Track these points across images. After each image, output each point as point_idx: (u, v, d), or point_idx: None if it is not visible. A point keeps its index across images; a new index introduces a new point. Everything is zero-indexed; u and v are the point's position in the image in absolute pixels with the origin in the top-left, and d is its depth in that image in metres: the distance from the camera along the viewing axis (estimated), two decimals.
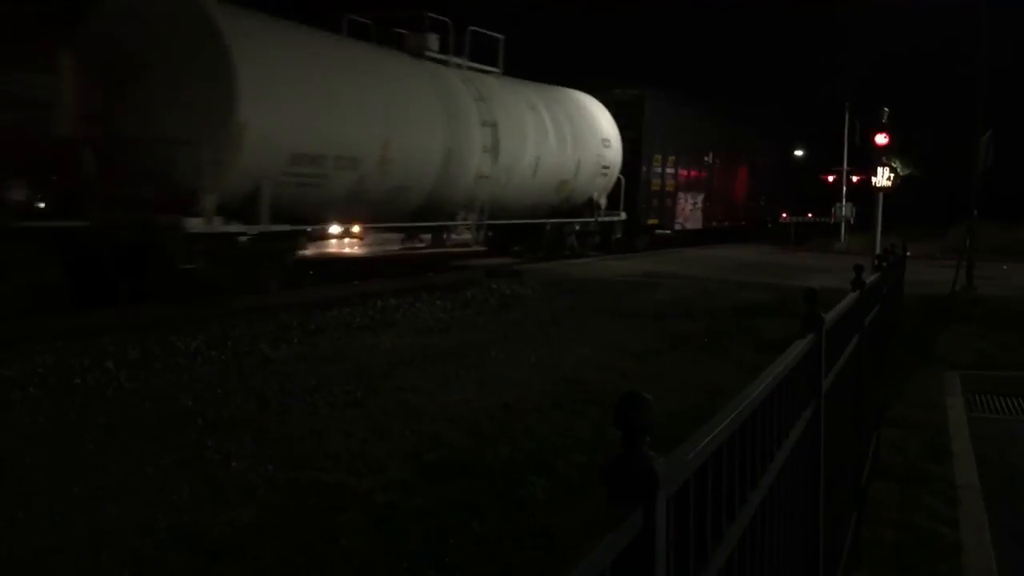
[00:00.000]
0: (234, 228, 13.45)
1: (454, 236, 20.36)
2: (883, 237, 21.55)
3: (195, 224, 12.65)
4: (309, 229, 15.68)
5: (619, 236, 25.89)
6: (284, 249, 14.80)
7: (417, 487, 5.65)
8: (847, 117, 35.55)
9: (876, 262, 7.39)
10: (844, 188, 36.77)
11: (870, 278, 5.34)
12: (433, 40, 19.30)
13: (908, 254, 12.64)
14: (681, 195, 30.90)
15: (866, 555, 4.73)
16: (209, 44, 12.83)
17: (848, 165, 36.40)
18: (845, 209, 36.60)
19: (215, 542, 4.74)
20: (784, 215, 39.76)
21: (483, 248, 22.29)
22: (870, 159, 23.47)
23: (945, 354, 11.09)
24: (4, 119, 10.81)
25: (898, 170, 23.00)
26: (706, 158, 33.33)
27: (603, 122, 24.58)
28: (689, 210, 31.73)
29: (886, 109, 23.00)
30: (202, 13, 13.03)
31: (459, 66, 19.98)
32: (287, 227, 14.48)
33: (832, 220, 37.63)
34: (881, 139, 22.65)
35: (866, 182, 26.43)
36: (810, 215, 40.62)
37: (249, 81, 13.03)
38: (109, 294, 12.18)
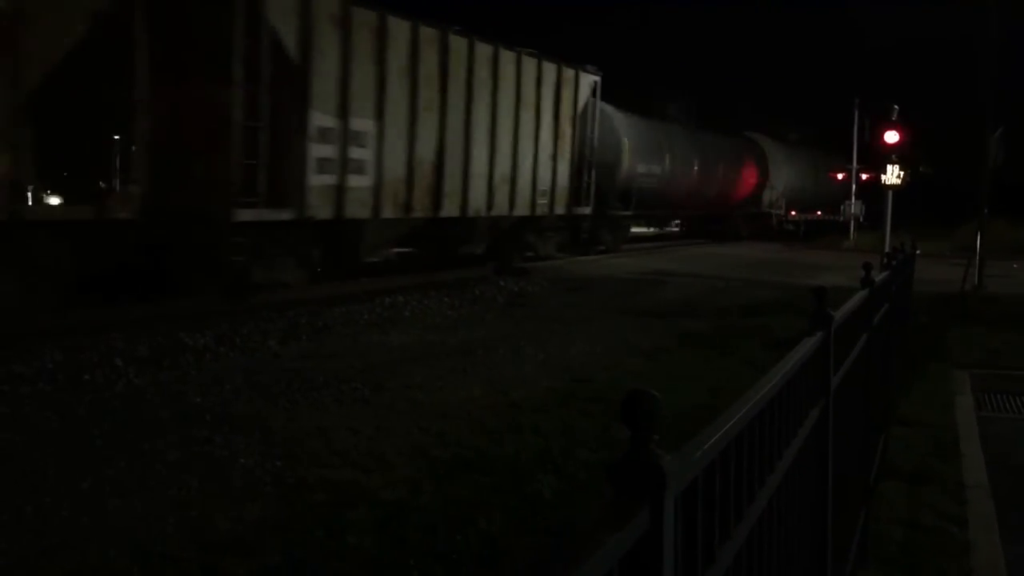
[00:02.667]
0: None
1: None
2: (892, 235, 21.46)
3: None
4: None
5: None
6: None
7: (424, 484, 5.65)
8: (856, 114, 35.43)
9: (885, 260, 7.36)
10: (853, 186, 36.63)
11: (879, 276, 5.31)
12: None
13: (918, 252, 12.60)
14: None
15: (874, 554, 4.71)
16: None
17: (858, 163, 36.27)
18: (854, 207, 36.46)
19: (223, 538, 4.75)
20: (792, 212, 39.60)
21: None
22: (880, 156, 23.38)
23: (955, 353, 11.04)
24: None
25: (920, 168, 22.73)
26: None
27: None
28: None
29: (896, 106, 22.88)
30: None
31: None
32: None
33: (841, 218, 37.49)
34: (891, 137, 22.52)
35: (875, 180, 26.36)
36: (819, 213, 40.46)
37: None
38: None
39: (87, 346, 9.20)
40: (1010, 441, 7.26)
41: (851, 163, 36.76)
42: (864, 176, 36.11)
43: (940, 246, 28.40)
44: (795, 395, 2.47)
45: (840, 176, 38.76)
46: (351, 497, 5.37)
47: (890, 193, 22.49)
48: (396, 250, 18.59)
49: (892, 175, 22.11)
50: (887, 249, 13.52)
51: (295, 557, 4.55)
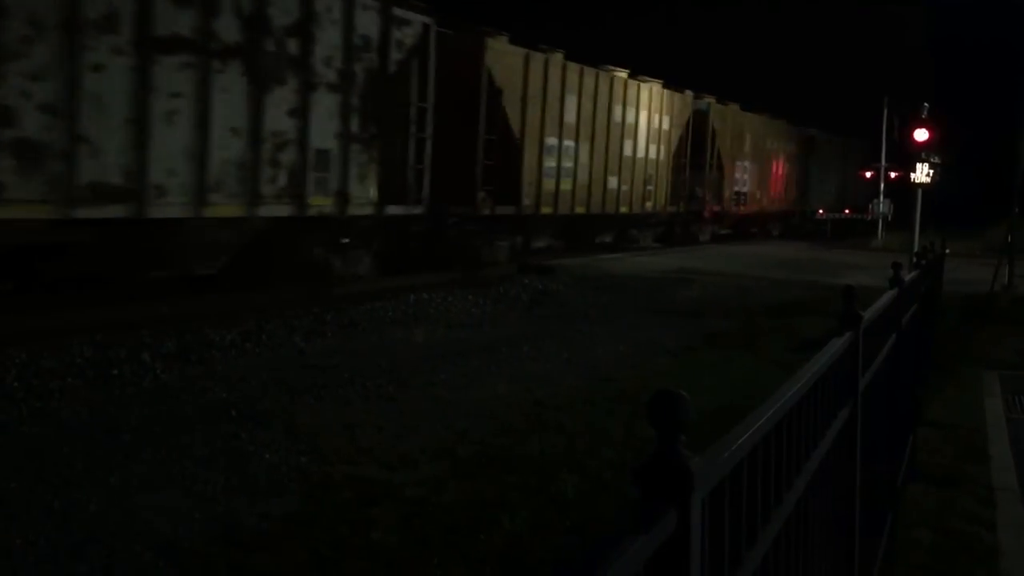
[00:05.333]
0: None
1: None
2: (921, 234, 21.23)
3: None
4: None
5: None
6: None
7: (448, 482, 5.66)
8: (886, 113, 35.12)
9: (914, 260, 7.29)
10: (882, 184, 36.33)
11: (908, 276, 5.26)
12: None
13: (947, 252, 12.46)
14: None
15: (902, 557, 4.66)
16: None
17: (886, 161, 35.95)
18: (883, 206, 36.15)
19: (249, 534, 4.78)
20: (820, 211, 39.32)
21: None
22: (908, 155, 23.15)
23: (984, 354, 10.91)
24: None
25: (933, 159, 22.31)
26: None
27: None
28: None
29: (926, 104, 22.65)
30: None
31: None
32: None
33: (869, 217, 37.19)
34: (921, 135, 22.30)
35: (904, 178, 26.08)
36: (847, 211, 40.13)
37: None
38: None
39: (116, 342, 9.27)
40: None
41: (878, 161, 36.45)
42: (869, 174, 36.02)
43: (970, 246, 28.09)
44: (823, 396, 2.45)
45: (869, 174, 38.43)
46: (376, 494, 5.39)
47: (919, 192, 22.25)
48: None
49: (921, 173, 21.87)
50: (916, 249, 13.37)
51: (320, 554, 4.57)
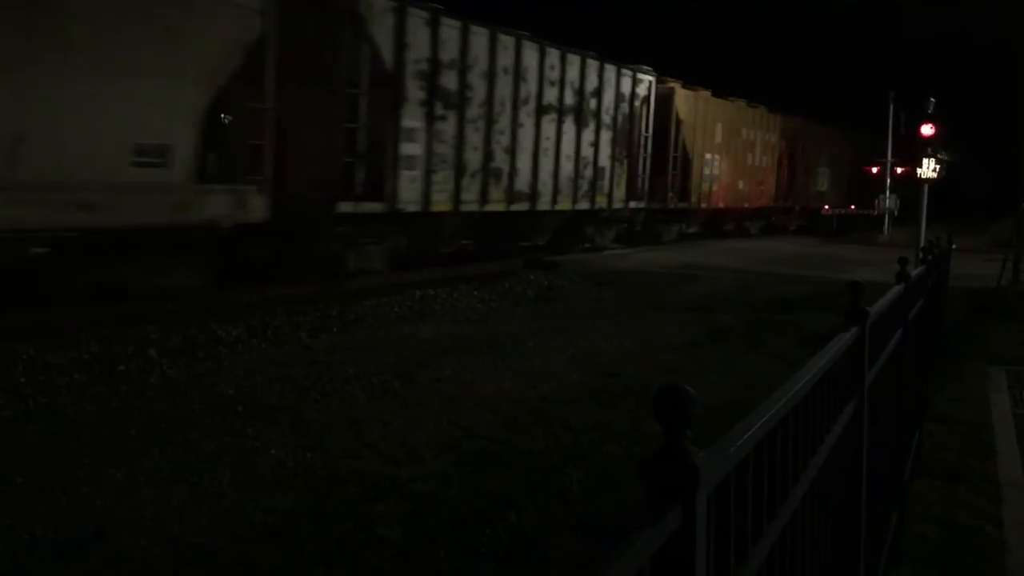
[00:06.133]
0: None
1: None
2: (928, 230, 21.17)
3: None
4: None
5: None
6: None
7: (454, 477, 5.66)
8: (891, 108, 35.02)
9: (920, 255, 7.27)
10: (888, 180, 36.25)
11: (914, 271, 5.25)
12: None
13: (953, 247, 12.43)
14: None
15: (908, 553, 4.66)
16: None
17: (892, 156, 35.89)
18: (889, 201, 36.08)
19: (255, 529, 4.79)
20: (826, 207, 39.26)
21: None
22: (914, 150, 23.05)
23: (990, 349, 10.89)
24: None
25: (940, 155, 22.18)
26: None
27: None
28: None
29: (932, 99, 22.54)
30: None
31: None
32: None
33: (875, 212, 37.14)
34: (927, 130, 22.20)
35: (910, 174, 26.00)
36: (852, 207, 40.06)
37: None
38: None
39: (122, 337, 9.30)
40: None
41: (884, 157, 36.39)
42: (875, 169, 36.44)
43: (976, 241, 28.02)
44: (829, 391, 2.45)
45: (875, 170, 38.50)
46: (381, 489, 5.40)
47: (925, 187, 22.16)
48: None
49: (928, 168, 21.79)
50: (923, 244, 13.35)
51: (326, 548, 4.58)
